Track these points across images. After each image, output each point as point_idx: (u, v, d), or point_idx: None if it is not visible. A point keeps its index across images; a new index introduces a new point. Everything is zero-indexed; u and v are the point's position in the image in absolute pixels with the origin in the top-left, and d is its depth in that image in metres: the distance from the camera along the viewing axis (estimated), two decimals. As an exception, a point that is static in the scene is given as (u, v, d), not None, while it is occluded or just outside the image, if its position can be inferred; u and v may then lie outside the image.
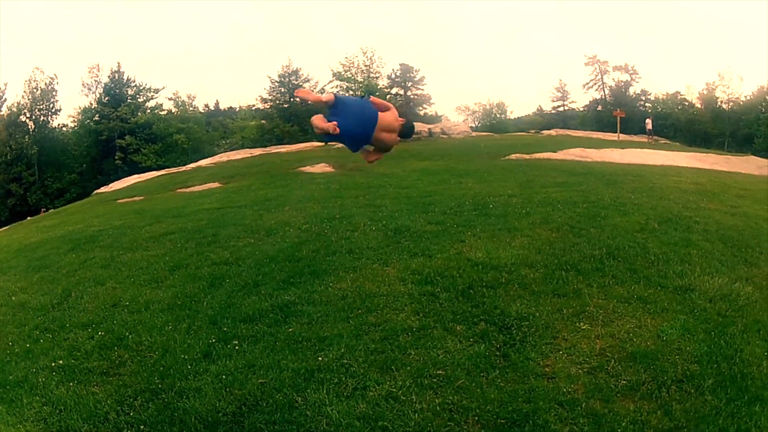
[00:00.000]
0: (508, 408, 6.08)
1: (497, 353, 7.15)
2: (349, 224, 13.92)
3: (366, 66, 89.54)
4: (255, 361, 7.22)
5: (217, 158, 54.04)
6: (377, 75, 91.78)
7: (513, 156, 32.41)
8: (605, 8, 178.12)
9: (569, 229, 12.21)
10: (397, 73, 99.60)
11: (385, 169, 26.22)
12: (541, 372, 6.74)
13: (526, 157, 31.66)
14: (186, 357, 7.52)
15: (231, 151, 66.78)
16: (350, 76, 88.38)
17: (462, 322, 7.98)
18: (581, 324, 7.80)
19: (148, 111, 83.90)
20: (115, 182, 49.70)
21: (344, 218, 14.69)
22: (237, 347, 7.67)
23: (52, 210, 47.07)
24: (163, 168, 59.13)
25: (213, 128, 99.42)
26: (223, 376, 6.92)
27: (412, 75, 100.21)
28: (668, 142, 65.90)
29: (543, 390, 6.37)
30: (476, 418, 5.97)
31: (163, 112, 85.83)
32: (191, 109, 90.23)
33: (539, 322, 7.84)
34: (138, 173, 53.83)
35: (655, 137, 63.11)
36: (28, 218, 42.92)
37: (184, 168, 48.86)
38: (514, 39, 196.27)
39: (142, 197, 28.85)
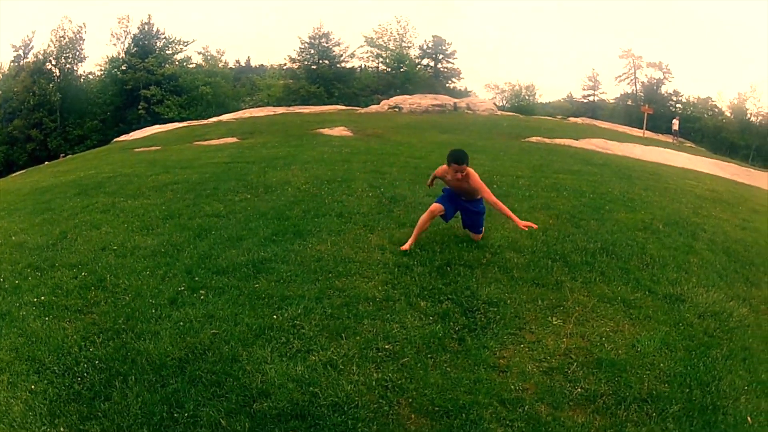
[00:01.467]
0: (446, 396, 5.72)
1: (454, 336, 6.79)
2: (347, 188, 13.78)
3: (399, 34, 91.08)
4: (215, 312, 7.16)
5: (239, 114, 54.72)
6: (409, 45, 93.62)
7: (533, 138, 32.38)
8: (646, 6, 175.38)
9: (569, 218, 11.76)
10: (429, 45, 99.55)
11: (402, 138, 26.43)
12: (493, 363, 6.31)
13: (547, 140, 31.66)
14: (153, 302, 7.52)
15: (255, 108, 66.81)
16: (382, 43, 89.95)
17: (428, 299, 7.62)
18: (553, 318, 7.30)
19: (176, 63, 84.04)
20: (136, 131, 50.53)
21: (344, 182, 14.57)
22: (202, 297, 7.62)
23: (70, 156, 47.08)
24: (186, 120, 59.51)
25: (242, 84, 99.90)
26: (181, 323, 6.90)
27: (444, 48, 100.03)
28: (693, 145, 65.33)
29: (489, 383, 5.94)
30: (409, 400, 5.66)
31: (191, 66, 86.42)
32: (221, 64, 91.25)
33: (508, 310, 7.37)
34: (160, 124, 54.34)
35: (681, 139, 62.43)
36: (45, 163, 43.45)
37: (205, 121, 49.74)
38: (552, 25, 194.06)
39: (159, 147, 29.14)
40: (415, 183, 14.55)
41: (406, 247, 9.16)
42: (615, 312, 7.57)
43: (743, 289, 9.34)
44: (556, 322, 7.19)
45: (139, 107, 76.53)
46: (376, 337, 6.61)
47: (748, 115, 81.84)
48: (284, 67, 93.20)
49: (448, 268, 8.53)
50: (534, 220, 10.53)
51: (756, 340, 7.52)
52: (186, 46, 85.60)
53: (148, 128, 50.37)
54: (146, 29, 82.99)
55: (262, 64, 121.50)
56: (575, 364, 6.33)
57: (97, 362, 6.17)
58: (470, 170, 8.76)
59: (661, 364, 6.49)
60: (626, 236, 10.82)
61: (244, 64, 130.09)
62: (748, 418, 5.86)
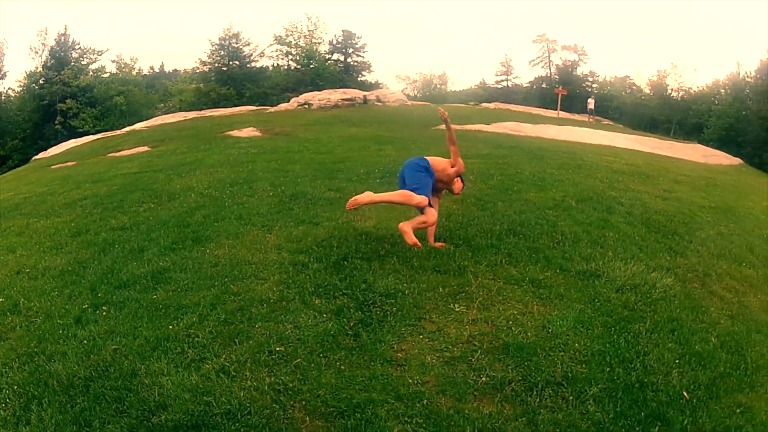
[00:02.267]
0: (340, 395, 5.53)
1: (349, 332, 6.60)
2: (249, 189, 13.66)
3: (309, 31, 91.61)
4: (116, 328, 7.05)
5: (151, 122, 54.00)
6: (320, 41, 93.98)
7: (443, 126, 31.47)
8: None
9: (475, 202, 11.68)
10: (339, 39, 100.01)
11: (310, 134, 26.50)
12: (391, 357, 6.11)
13: (457, 127, 31.20)
14: (61, 322, 7.41)
15: (167, 114, 66.13)
16: (292, 40, 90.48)
17: (323, 296, 7.44)
18: (455, 305, 7.06)
19: (91, 74, 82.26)
20: (53, 147, 49.55)
21: (247, 183, 14.46)
22: (105, 313, 7.50)
23: (-8, 179, 45.64)
24: (101, 132, 58.15)
25: (155, 91, 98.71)
26: (85, 342, 6.79)
27: (353, 41, 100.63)
28: (611, 123, 66.70)
29: (385, 379, 5.74)
30: (303, 403, 5.50)
31: (105, 75, 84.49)
32: (134, 71, 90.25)
33: (407, 301, 7.15)
34: (76, 138, 53.40)
35: (597, 117, 63.71)
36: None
37: (119, 132, 48.84)
38: (463, 11, 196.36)
39: (74, 162, 28.79)
40: (318, 178, 14.48)
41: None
42: (523, 293, 7.38)
43: (667, 259, 9.37)
44: (458, 309, 6.97)
45: (56, 122, 74.46)
46: (269, 340, 6.46)
47: (669, 91, 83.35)
48: (197, 71, 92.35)
49: (345, 263, 8.37)
50: (439, 206, 10.35)
51: (685, 311, 7.47)
52: (100, 55, 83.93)
53: (64, 143, 49.27)
54: (63, 40, 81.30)
55: (175, 69, 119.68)
56: (479, 351, 6.10)
57: (15, 387, 6.07)
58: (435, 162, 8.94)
59: (576, 344, 6.30)
60: (535, 215, 10.73)
61: (158, 70, 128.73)
62: (685, 394, 5.71)
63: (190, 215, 11.57)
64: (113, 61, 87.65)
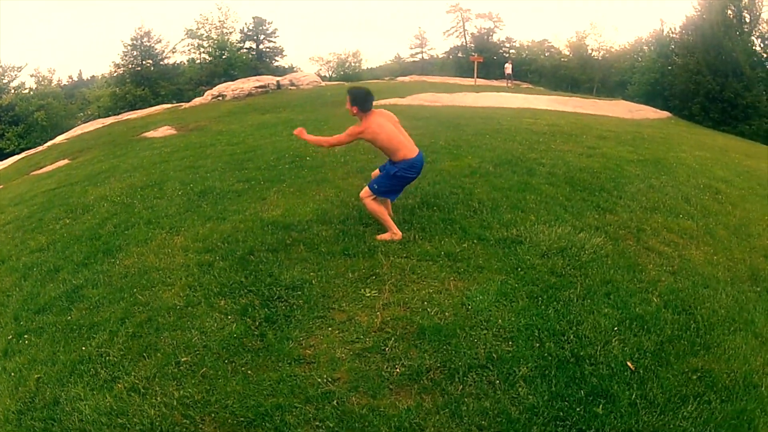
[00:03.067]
0: (248, 403, 5.35)
1: (255, 332, 6.37)
2: (159, 191, 13.36)
3: (220, 21, 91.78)
4: (37, 355, 6.87)
5: (71, 132, 53.26)
6: (231, 30, 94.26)
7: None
8: None
9: None
10: (250, 27, 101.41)
11: (223, 126, 26.49)
12: (299, 356, 5.89)
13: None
14: None
15: (87, 122, 65.03)
16: (204, 33, 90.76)
17: (228, 295, 7.22)
18: (366, 290, 6.80)
19: (12, 92, 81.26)
20: None
21: (157, 185, 14.07)
22: (27, 341, 7.29)
23: None
24: (25, 150, 57.18)
25: (75, 100, 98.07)
26: (13, 374, 6.61)
27: (264, 28, 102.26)
28: (531, 86, 68.09)
29: (293, 380, 5.54)
30: (212, 415, 5.32)
31: (25, 91, 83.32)
32: (54, 84, 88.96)
33: (314, 291, 6.93)
34: (3, 159, 51.92)
35: (516, 82, 65.36)
36: None
37: (41, 147, 47.82)
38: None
39: (1, 186, 28.06)
40: (228, 171, 14.27)
41: (387, 236, 8.40)
42: (439, 269, 7.09)
43: (595, 218, 9.18)
44: (369, 294, 6.70)
45: (-18, 145, 73.57)
46: (176, 350, 6.26)
47: (589, 51, 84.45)
48: (113, 75, 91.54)
49: (251, 257, 8.14)
50: (348, 185, 10.57)
51: (620, 271, 7.27)
52: (20, 71, 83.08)
53: (-8, 167, 48.41)
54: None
55: (93, 75, 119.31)
56: (393, 338, 5.84)
57: (-42, 433, 5.88)
58: (366, 118, 8.38)
59: (500, 320, 6.03)
60: (450, 185, 10.50)
61: (77, 79, 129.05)
62: (629, 364, 5.45)
63: (101, 226, 11.26)
64: (32, 76, 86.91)
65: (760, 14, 61.08)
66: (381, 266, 7.22)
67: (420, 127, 18.26)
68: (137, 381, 5.85)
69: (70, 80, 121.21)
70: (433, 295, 6.44)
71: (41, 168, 28.02)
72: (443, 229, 8.26)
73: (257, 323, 6.44)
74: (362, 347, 5.75)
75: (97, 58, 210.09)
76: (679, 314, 6.41)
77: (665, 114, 39.84)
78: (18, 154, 52.74)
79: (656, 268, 7.64)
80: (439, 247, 7.61)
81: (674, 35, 68.70)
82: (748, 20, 61.23)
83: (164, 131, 29.54)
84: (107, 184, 15.54)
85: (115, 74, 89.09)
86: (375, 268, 7.21)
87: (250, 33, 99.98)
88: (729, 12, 59.03)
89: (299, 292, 6.88)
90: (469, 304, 6.22)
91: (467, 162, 12.14)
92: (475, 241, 7.83)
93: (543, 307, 6.25)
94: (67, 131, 58.06)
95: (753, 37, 61.44)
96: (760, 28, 61.50)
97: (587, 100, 39.19)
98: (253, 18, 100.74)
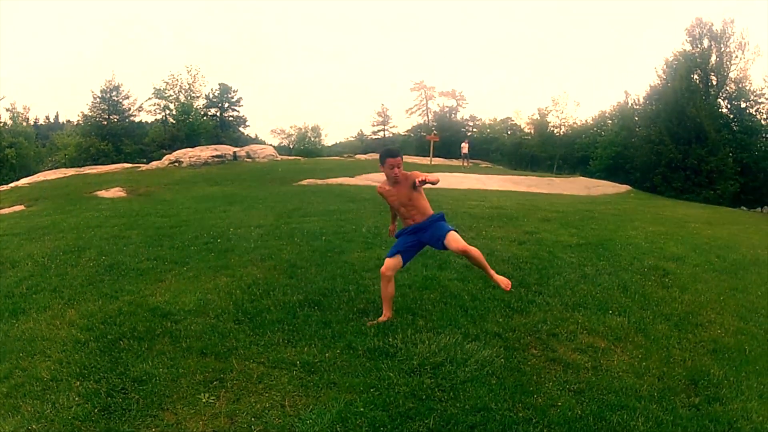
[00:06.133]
0: None
1: (92, 419, 6.00)
2: (76, 258, 13.22)
3: (189, 84, 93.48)
4: None
5: (35, 177, 54.21)
6: (198, 95, 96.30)
7: (305, 181, 33.16)
8: (444, 36, 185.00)
9: (288, 267, 11.13)
10: (216, 93, 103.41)
11: (169, 195, 27.03)
12: None
13: (319, 182, 32.36)
14: None
15: (51, 170, 65.70)
16: (172, 94, 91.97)
17: (86, 378, 6.93)
18: (204, 395, 6.35)
19: None
20: None
21: (78, 251, 14.00)
22: None
23: None
24: None
25: (48, 143, 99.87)
26: None
27: (230, 96, 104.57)
28: (490, 165, 69.48)
29: None
30: None
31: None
32: (25, 122, 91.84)
33: (156, 388, 6.53)
34: None
35: (475, 160, 66.58)
36: None
37: (6, 187, 48.07)
38: (339, 61, 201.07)
39: None
40: (144, 246, 14.07)
41: (383, 318, 8.25)
42: (287, 381, 6.57)
43: (498, 322, 8.41)
44: (205, 400, 6.26)
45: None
46: (32, 417, 6.00)
47: (550, 128, 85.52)
48: (80, 124, 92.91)
49: (121, 342, 7.87)
50: (246, 274, 10.44)
51: (504, 393, 6.28)
52: None
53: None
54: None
55: (68, 120, 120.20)
56: None
57: None
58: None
59: None
60: (347, 280, 10.14)
61: (53, 121, 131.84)
62: None
63: (17, 286, 11.18)
64: (7, 110, 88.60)
65: (727, 74, 62.91)
66: (231, 370, 6.83)
67: (351, 210, 18.49)
68: (-2, 436, 5.77)
69: (47, 120, 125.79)
70: (266, 411, 5.92)
71: (-1, 209, 28.48)
72: (314, 333, 7.78)
73: (96, 410, 6.09)
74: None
75: (75, 102, 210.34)
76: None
77: (625, 188, 40.57)
78: (-18, 190, 52.99)
79: (556, 386, 6.53)
80: (300, 355, 7.12)
81: (637, 106, 71.15)
82: (714, 83, 62.77)
83: (115, 192, 30.44)
84: (41, 242, 15.69)
85: (82, 124, 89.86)
86: (224, 371, 6.81)
87: (215, 99, 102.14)
88: (695, 77, 60.76)
89: (143, 387, 6.52)
90: (296, 428, 5.62)
91: (378, 253, 11.75)
92: (342, 349, 7.27)
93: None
94: (33, 174, 58.54)
95: (720, 99, 64.36)
96: (728, 89, 63.54)
97: (543, 179, 39.63)
98: (219, 84, 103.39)
